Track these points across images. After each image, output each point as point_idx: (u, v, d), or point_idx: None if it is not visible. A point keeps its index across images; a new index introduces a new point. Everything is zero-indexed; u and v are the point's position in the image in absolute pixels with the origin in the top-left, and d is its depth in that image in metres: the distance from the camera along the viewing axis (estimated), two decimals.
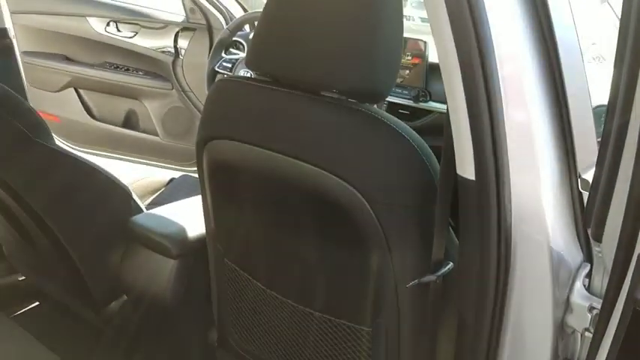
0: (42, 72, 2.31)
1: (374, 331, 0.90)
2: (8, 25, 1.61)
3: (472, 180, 0.68)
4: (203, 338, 1.23)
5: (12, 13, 2.29)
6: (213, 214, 1.05)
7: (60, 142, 2.42)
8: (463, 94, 0.67)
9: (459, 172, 0.71)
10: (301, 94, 0.86)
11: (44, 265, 1.35)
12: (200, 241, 1.14)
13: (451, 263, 0.82)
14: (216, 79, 1.79)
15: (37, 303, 1.54)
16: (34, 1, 2.29)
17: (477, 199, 0.70)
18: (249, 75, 1.61)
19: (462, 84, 0.67)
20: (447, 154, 0.74)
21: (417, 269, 0.82)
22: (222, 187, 1.00)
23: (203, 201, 1.06)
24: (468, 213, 0.74)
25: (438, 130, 0.81)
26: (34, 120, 1.08)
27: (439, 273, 0.81)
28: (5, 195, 1.14)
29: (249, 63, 0.91)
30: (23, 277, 1.52)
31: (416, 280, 0.82)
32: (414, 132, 0.82)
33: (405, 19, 0.88)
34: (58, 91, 2.34)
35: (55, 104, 2.37)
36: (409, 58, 1.53)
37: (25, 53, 2.31)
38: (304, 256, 0.95)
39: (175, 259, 1.17)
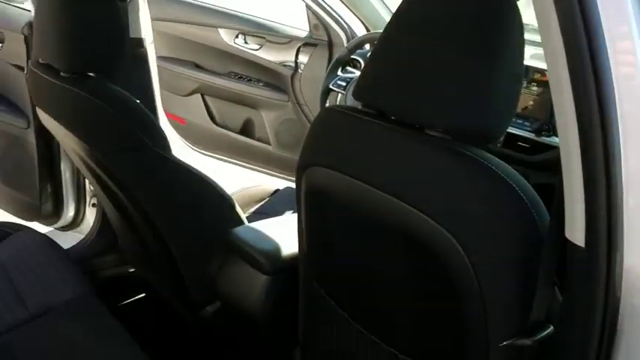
0: (174, 77, 2.49)
1: None
2: (145, 34, 1.75)
3: (581, 248, 0.62)
4: (288, 357, 1.23)
5: (153, 20, 2.50)
6: (306, 236, 1.05)
7: (183, 142, 2.60)
8: (578, 142, 0.60)
9: (567, 234, 0.65)
10: (405, 131, 0.83)
11: (151, 261, 1.44)
12: (294, 259, 1.15)
13: (551, 327, 0.75)
14: (327, 101, 1.82)
15: (143, 295, 1.65)
16: (176, 11, 2.48)
17: (584, 267, 0.63)
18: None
19: (577, 129, 0.60)
20: (556, 211, 0.67)
21: (512, 328, 0.76)
22: (316, 212, 1.00)
23: (298, 221, 1.07)
24: (574, 278, 0.67)
25: (559, 167, 0.74)
26: (156, 132, 1.16)
27: (537, 337, 0.74)
28: (121, 194, 1.23)
29: (356, 94, 0.90)
30: (133, 270, 1.63)
31: (510, 341, 0.75)
32: (526, 183, 0.75)
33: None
34: (187, 95, 2.51)
35: (183, 108, 2.54)
36: (534, 88, 1.43)
37: (160, 58, 2.50)
38: (392, 294, 0.92)
39: (268, 275, 1.19)
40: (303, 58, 2.29)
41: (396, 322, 0.93)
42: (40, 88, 1.22)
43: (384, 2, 2.05)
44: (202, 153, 2.59)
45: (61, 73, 1.15)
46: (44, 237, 1.48)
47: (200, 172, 1.23)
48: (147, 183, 1.22)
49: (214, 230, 1.29)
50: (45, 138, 1.57)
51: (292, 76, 2.31)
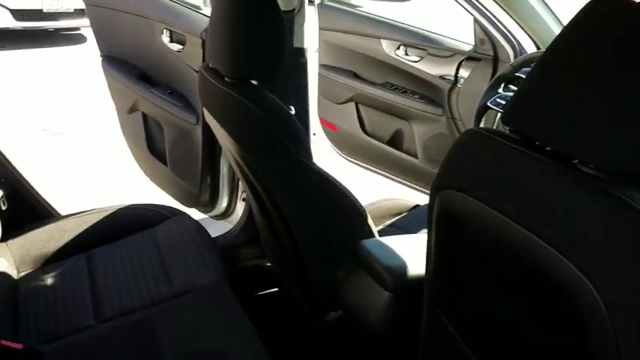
0: (332, 85, 2.57)
1: None
2: (308, 44, 1.83)
3: None
4: None
5: (320, 29, 2.61)
6: (434, 259, 1.02)
7: (332, 147, 2.67)
8: None
9: None
10: (554, 163, 0.76)
11: (284, 260, 1.50)
12: (420, 280, 1.12)
13: None
14: (484, 119, 1.73)
15: (275, 289, 1.73)
16: (343, 21, 2.55)
17: None
18: None
19: None
20: None
21: None
22: (446, 236, 0.96)
23: (427, 243, 1.03)
24: None
25: None
26: (300, 140, 1.20)
27: None
28: (264, 194, 1.30)
29: (505, 119, 0.85)
30: (269, 264, 1.72)
31: None
32: None
33: None
34: (341, 103, 2.58)
35: (336, 115, 2.61)
36: None
37: (322, 66, 2.61)
38: (519, 334, 0.85)
39: (391, 292, 1.17)
40: (464, 73, 2.21)
41: None
42: (206, 90, 1.33)
43: (558, 20, 1.90)
44: (348, 159, 2.64)
45: (225, 78, 1.25)
46: (197, 223, 1.63)
47: (337, 181, 1.25)
48: (287, 188, 1.27)
49: (344, 240, 1.30)
50: (209, 134, 1.71)
51: (450, 90, 2.25)
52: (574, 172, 0.73)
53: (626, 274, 0.67)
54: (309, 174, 1.21)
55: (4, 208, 1.51)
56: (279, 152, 1.19)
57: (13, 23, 5.56)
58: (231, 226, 1.89)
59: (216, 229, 1.85)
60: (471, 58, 2.18)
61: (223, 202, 1.97)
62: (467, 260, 0.94)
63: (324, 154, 2.68)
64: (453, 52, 2.24)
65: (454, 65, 2.24)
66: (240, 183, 1.90)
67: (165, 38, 1.89)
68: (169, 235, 1.56)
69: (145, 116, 2.08)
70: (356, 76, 2.52)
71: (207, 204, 1.98)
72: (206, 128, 1.75)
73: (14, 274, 1.45)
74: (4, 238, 1.51)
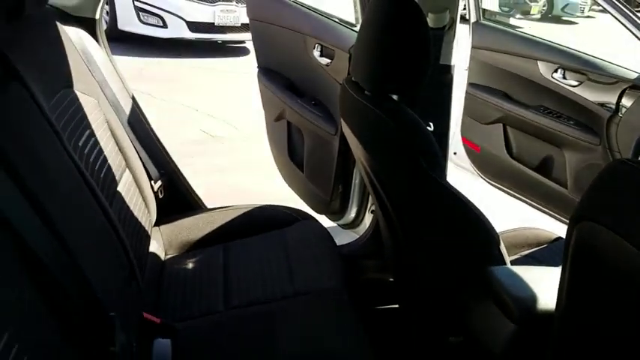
0: (479, 104, 2.50)
1: None
2: (455, 61, 1.79)
3: None
4: None
5: (473, 47, 2.54)
6: (566, 293, 0.94)
7: (474, 170, 2.59)
8: None
9: None
10: None
11: (407, 277, 1.48)
12: (550, 314, 1.04)
13: None
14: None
15: (396, 306, 1.71)
16: (498, 41, 2.47)
17: None
18: None
19: None
20: None
21: None
22: (580, 270, 0.89)
23: (561, 276, 0.96)
24: None
25: None
26: (435, 158, 1.18)
27: None
28: (391, 209, 1.30)
29: None
30: (392, 280, 1.71)
31: None
32: None
33: None
34: (488, 124, 2.48)
35: (480, 135, 2.53)
36: None
37: (470, 85, 2.54)
38: None
39: (516, 325, 1.10)
40: (627, 102, 2.02)
41: None
42: (345, 102, 1.37)
43: None
44: (489, 182, 2.53)
45: (365, 92, 1.26)
46: (324, 229, 1.67)
47: (471, 202, 1.21)
48: (415, 204, 1.25)
49: (472, 264, 1.25)
50: (345, 145, 1.76)
51: (610, 119, 2.07)
52: None
53: None
54: (441, 192, 1.18)
55: (160, 197, 1.69)
56: (410, 168, 1.18)
57: (188, 34, 6.22)
58: (357, 237, 1.92)
59: (343, 239, 1.88)
60: (635, 86, 2.00)
61: (352, 212, 2.00)
62: (599, 299, 0.86)
63: (462, 175, 2.61)
64: (616, 79, 2.07)
65: (616, 93, 2.06)
66: (369, 195, 1.92)
67: (316, 52, 1.98)
68: (297, 237, 1.63)
69: (289, 124, 2.20)
70: (506, 97, 2.43)
71: (337, 212, 2.02)
72: (343, 139, 1.80)
73: (162, 255, 1.62)
74: (157, 224, 1.69)
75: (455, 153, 2.61)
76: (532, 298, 1.11)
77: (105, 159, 1.40)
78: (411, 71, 1.19)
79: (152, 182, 1.66)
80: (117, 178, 1.44)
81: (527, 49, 2.35)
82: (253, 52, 2.33)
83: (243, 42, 6.70)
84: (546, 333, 1.02)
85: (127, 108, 1.69)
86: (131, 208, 1.46)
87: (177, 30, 6.17)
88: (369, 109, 1.23)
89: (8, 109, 1.01)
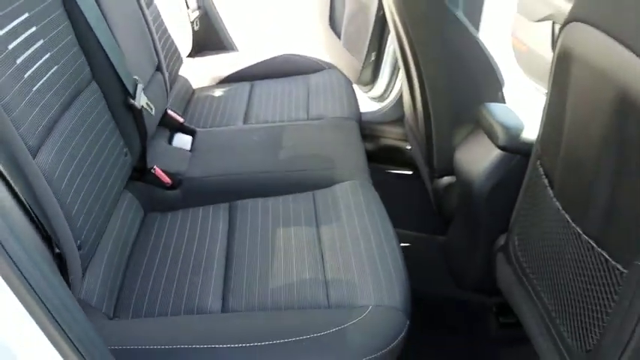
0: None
1: (629, 274, 0.72)
2: None
3: None
4: (494, 240, 1.20)
5: None
6: (546, 108, 0.97)
7: (518, 68, 2.52)
8: None
9: None
10: None
11: (417, 130, 1.54)
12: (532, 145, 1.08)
13: None
14: None
15: (410, 172, 1.78)
16: None
17: None
18: None
19: None
20: None
21: None
22: (560, 77, 0.91)
23: (546, 99, 0.99)
24: None
25: None
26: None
27: None
28: (410, 53, 1.33)
29: None
30: (409, 147, 1.76)
31: None
32: None
33: None
34: (537, 21, 2.39)
35: (529, 33, 2.44)
36: None
37: None
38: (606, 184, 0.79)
39: (501, 151, 1.15)
40: None
41: (612, 222, 0.80)
42: None
43: None
44: (534, 83, 2.48)
45: None
46: (346, 78, 1.75)
47: (488, 51, 1.23)
48: (432, 38, 1.27)
49: (473, 103, 1.29)
50: (382, 9, 1.78)
51: None
52: None
53: None
54: (460, 31, 1.21)
55: (196, 28, 1.80)
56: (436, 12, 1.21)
57: None
58: (381, 105, 1.98)
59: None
60: None
61: (382, 84, 2.04)
62: (572, 99, 0.89)
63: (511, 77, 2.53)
64: None
65: None
66: (399, 71, 1.95)
67: None
68: (320, 81, 1.72)
69: None
70: None
71: (368, 82, 2.06)
72: (381, 5, 1.81)
73: (193, 83, 1.75)
74: (191, 55, 1.81)
75: None
76: (519, 127, 1.15)
77: None
78: None
79: (189, 11, 1.76)
80: None
81: None
82: None
83: None
84: (526, 164, 1.06)
85: None
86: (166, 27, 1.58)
87: None
88: None
89: None
